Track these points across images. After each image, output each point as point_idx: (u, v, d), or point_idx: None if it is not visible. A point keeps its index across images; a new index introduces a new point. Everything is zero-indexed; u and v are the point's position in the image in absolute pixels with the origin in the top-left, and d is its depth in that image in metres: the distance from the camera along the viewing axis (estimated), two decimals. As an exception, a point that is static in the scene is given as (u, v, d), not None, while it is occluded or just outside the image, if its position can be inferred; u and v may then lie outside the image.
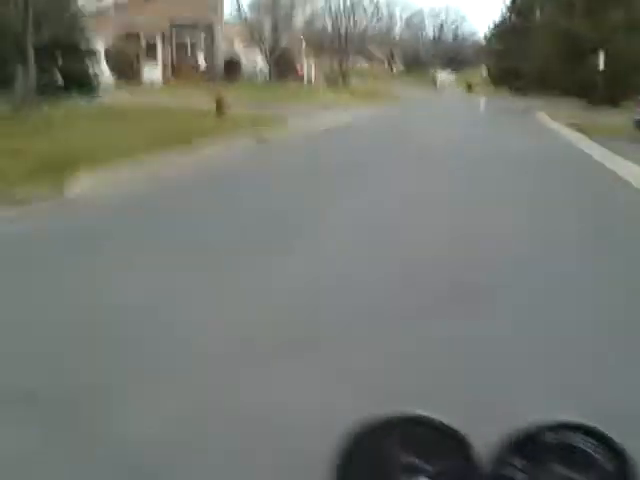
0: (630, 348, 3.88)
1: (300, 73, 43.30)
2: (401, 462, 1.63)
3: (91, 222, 6.91)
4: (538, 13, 45.52)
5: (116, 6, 31.87)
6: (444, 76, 73.22)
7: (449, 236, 6.62)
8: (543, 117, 26.80)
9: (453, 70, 76.03)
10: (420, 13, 78.49)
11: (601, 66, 26.36)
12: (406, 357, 3.65)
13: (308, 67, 46.76)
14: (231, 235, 6.37)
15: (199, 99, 18.94)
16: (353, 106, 26.50)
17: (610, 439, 1.84)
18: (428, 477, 1.57)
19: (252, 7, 45.61)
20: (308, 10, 50.96)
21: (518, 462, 1.76)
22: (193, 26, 34.43)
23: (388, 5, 67.67)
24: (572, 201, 8.89)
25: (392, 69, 75.14)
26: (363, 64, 65.70)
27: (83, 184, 8.40)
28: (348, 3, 54.99)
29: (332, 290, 4.84)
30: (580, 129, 19.00)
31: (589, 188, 10.35)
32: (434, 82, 69.19)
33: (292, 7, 45.30)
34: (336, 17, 54.85)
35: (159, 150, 10.92)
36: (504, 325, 4.16)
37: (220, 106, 17.91)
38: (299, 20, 48.95)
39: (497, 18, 57.79)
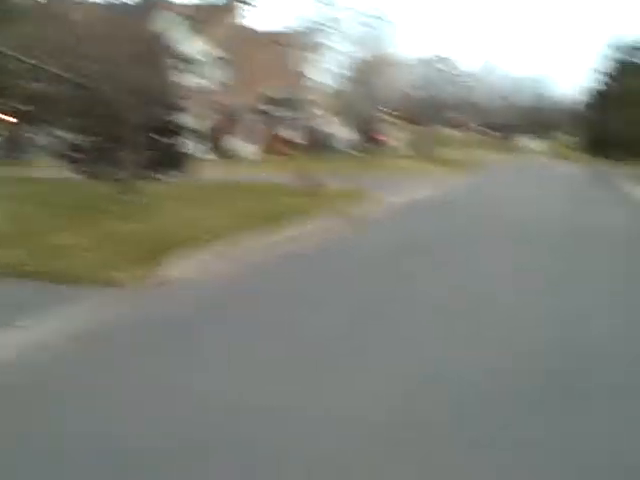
0: None
1: (386, 142, 43.91)
2: None
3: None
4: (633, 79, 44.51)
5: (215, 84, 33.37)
6: (527, 142, 72.62)
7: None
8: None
9: (535, 136, 75.35)
10: (506, 78, 77.54)
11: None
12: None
13: (396, 136, 47.27)
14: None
15: (290, 174, 19.41)
16: (440, 176, 26.54)
17: None
18: None
19: (339, 79, 46.80)
20: (398, 81, 51.90)
21: None
22: (287, 101, 35.66)
23: (480, 75, 67.45)
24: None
25: (489, 136, 75.04)
26: (449, 131, 65.73)
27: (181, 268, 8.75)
28: (439, 74, 55.78)
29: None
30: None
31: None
32: (517, 148, 68.55)
33: (381, 79, 46.23)
34: (427, 87, 55.60)
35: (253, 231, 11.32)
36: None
37: (312, 186, 18.27)
38: (388, 91, 49.81)
39: (588, 82, 56.83)
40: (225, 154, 30.26)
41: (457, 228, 14.02)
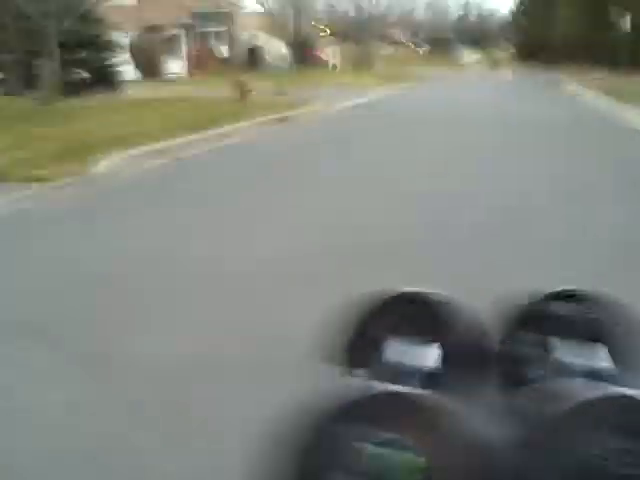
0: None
1: (323, 59, 43.28)
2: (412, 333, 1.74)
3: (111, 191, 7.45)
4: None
5: None
6: (469, 55, 72.39)
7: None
8: (569, 86, 26.58)
9: (479, 49, 75.06)
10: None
11: (628, 28, 25.99)
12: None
13: (333, 53, 46.68)
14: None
15: (223, 88, 19.21)
16: (375, 88, 26.49)
17: (615, 303, 1.91)
18: (440, 347, 1.69)
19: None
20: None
21: (526, 336, 1.85)
22: (214, 16, 34.54)
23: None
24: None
25: (418, 51, 74.51)
26: (388, 48, 65.26)
27: (109, 163, 8.82)
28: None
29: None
30: (605, 94, 19.16)
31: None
32: (459, 62, 68.51)
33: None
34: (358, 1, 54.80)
35: (181, 133, 11.36)
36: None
37: (243, 92, 18.21)
38: (320, 5, 49.05)
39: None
40: (155, 73, 29.48)
41: (386, 122, 14.25)
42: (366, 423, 1.30)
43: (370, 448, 1.32)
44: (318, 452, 1.25)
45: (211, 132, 11.99)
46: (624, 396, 1.28)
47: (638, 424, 1.22)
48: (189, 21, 33.15)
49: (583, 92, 22.73)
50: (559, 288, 1.92)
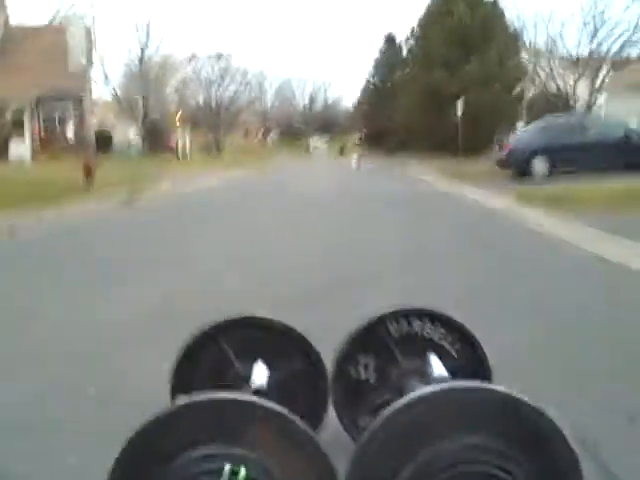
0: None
1: (172, 145, 43.26)
2: (238, 367, 1.66)
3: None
4: (400, 72, 47.83)
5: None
6: (316, 143, 75.37)
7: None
8: (408, 169, 28.25)
9: (327, 137, 78.34)
10: (288, 82, 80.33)
11: (459, 112, 28.02)
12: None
13: (182, 139, 46.97)
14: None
15: (68, 172, 18.61)
16: (222, 174, 26.81)
17: (451, 319, 1.95)
18: (272, 382, 1.61)
19: (123, 78, 45.70)
20: (178, 78, 51.58)
21: (362, 358, 1.82)
22: (60, 98, 33.78)
23: (257, 75, 68.62)
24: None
25: (266, 140, 76.43)
26: (238, 137, 66.51)
27: None
28: (217, 72, 56.20)
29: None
30: (444, 175, 20.55)
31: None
32: (307, 149, 71.16)
33: (162, 77, 45.70)
34: (206, 87, 55.89)
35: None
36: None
37: (88, 174, 17.58)
38: (170, 91, 49.45)
39: (364, 81, 60.43)
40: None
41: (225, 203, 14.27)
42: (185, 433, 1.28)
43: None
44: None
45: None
46: (454, 389, 1.25)
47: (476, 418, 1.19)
48: (34, 103, 32.25)
49: (423, 173, 24.23)
50: (393, 308, 1.90)
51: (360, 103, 64.43)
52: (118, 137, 40.43)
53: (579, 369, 3.09)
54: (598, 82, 34.13)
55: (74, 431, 2.49)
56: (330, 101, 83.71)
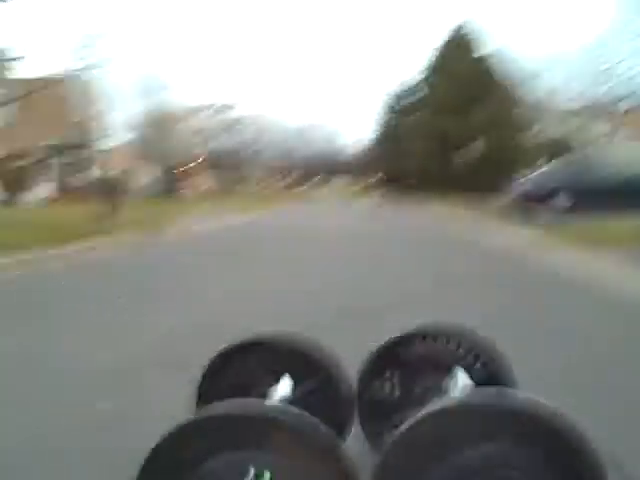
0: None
1: (191, 187, 43.79)
2: (266, 382, 1.67)
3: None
4: (413, 116, 47.83)
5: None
6: (337, 182, 76.41)
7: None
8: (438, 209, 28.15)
9: (347, 176, 79.28)
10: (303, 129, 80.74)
11: (478, 154, 28.07)
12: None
13: (202, 181, 47.47)
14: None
15: (88, 213, 18.87)
16: (242, 213, 27.07)
17: (475, 334, 1.94)
18: (298, 395, 1.62)
19: (142, 124, 46.28)
20: (194, 125, 52.26)
21: (388, 373, 1.82)
22: (78, 146, 34.46)
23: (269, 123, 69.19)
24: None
25: (286, 180, 77.01)
26: (258, 176, 66.82)
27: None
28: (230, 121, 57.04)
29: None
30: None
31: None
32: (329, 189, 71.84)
33: (177, 123, 46.32)
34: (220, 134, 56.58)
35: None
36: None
37: (109, 215, 17.99)
38: (188, 136, 50.05)
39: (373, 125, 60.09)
40: (22, 198, 28.73)
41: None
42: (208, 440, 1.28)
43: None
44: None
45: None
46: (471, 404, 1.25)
47: (493, 429, 1.20)
48: (54, 149, 32.90)
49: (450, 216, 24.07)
50: (414, 329, 1.90)
51: (371, 147, 64.39)
52: (137, 180, 40.95)
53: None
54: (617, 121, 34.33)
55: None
56: (335, 144, 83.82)
